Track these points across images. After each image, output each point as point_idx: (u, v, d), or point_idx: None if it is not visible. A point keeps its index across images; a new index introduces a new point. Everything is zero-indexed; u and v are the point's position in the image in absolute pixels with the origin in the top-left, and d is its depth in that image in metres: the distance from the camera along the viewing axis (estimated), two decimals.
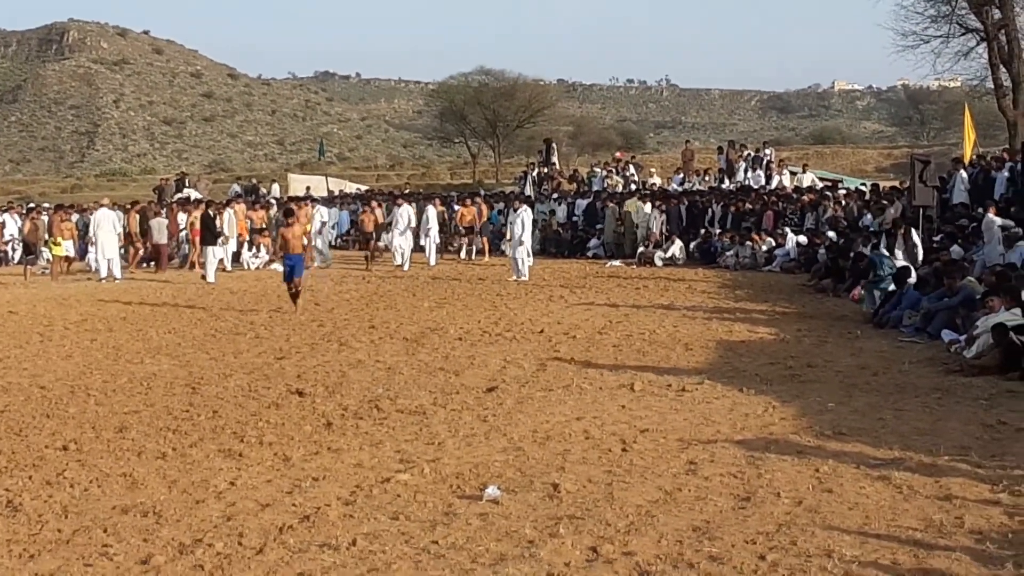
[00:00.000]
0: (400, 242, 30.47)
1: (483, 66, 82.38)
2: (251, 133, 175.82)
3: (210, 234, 27.81)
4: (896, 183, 36.14)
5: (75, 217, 33.16)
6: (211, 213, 28.75)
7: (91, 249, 29.87)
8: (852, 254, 22.98)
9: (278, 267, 30.59)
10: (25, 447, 10.11)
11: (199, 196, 42.70)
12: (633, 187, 41.16)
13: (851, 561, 6.54)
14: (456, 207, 36.46)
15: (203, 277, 27.18)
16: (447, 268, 30.63)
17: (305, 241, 21.63)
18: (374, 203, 35.38)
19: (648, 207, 33.75)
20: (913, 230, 21.15)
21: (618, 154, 51.61)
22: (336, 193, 46.89)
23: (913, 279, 18.51)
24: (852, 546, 6.80)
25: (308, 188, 47.00)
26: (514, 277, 26.16)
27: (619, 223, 34.80)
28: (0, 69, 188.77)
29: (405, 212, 30.64)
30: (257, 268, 30.58)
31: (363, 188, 52.85)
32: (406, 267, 30.19)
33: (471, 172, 70.30)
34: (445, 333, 17.58)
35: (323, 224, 32.81)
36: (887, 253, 20.76)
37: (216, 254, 27.89)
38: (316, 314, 20.42)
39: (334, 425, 10.82)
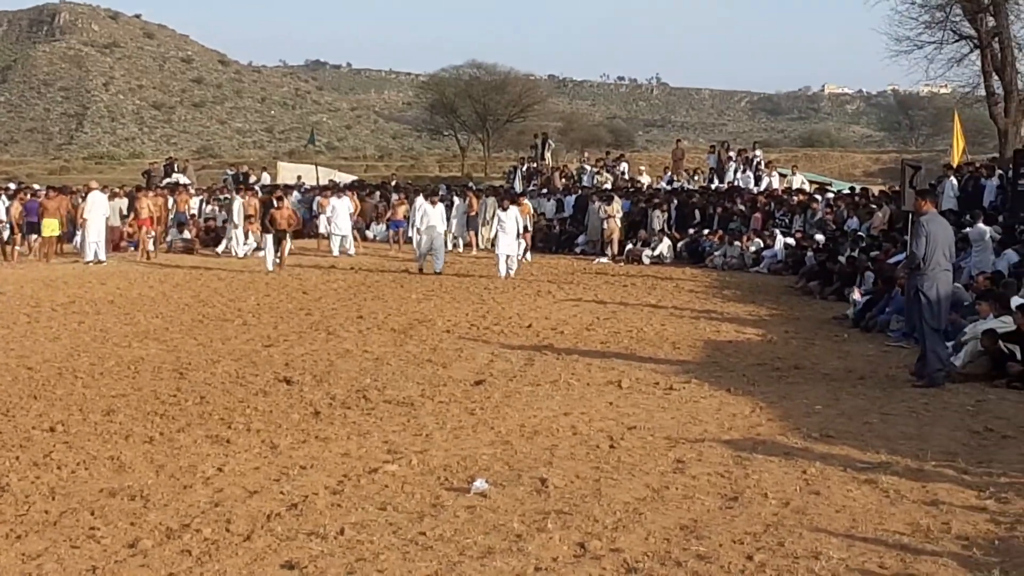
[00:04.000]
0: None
1: (474, 59, 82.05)
2: (240, 120, 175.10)
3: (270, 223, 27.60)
4: (884, 187, 36.17)
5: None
6: (273, 201, 28.38)
7: (78, 232, 29.74)
8: (841, 257, 23.06)
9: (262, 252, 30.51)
10: (12, 428, 10.14)
11: (187, 181, 42.58)
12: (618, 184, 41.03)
13: (838, 564, 6.57)
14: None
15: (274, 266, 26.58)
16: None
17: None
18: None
19: (616, 205, 33.36)
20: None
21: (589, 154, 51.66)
22: (327, 183, 46.59)
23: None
24: (839, 549, 6.83)
25: (299, 177, 46.76)
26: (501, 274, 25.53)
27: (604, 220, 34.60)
28: None
29: (438, 210, 28.66)
30: (245, 255, 30.44)
31: (354, 179, 52.58)
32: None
33: (460, 165, 70.05)
34: (433, 325, 17.57)
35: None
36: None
37: (269, 242, 27.40)
38: (304, 303, 20.39)
39: (322, 414, 10.86)
